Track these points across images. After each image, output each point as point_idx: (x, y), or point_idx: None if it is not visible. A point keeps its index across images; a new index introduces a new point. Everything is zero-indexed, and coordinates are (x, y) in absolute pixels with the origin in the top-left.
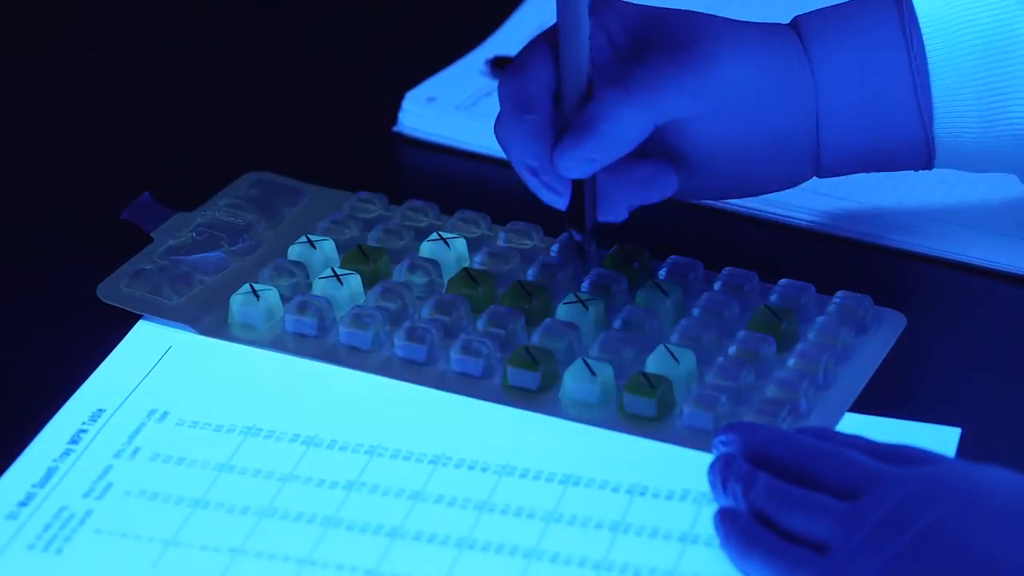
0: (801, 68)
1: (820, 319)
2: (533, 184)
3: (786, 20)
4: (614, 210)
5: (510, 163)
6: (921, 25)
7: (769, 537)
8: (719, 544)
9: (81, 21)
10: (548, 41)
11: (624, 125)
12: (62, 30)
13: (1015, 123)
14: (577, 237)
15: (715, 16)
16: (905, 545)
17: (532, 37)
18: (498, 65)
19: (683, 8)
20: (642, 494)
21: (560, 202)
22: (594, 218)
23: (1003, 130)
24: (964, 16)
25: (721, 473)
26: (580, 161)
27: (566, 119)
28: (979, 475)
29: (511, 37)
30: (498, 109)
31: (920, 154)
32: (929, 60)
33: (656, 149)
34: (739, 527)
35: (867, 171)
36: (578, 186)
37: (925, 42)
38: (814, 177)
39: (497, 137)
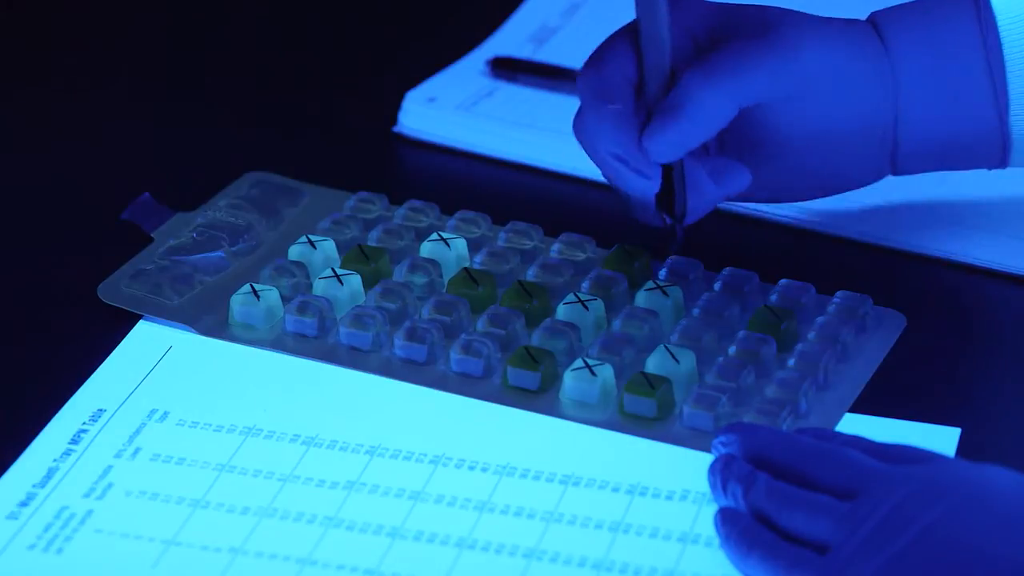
0: (880, 61)
1: (820, 319)
2: (621, 172)
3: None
4: (704, 197)
5: (590, 156)
6: (998, 19)
7: (769, 538)
8: (719, 545)
9: (81, 20)
10: (628, 34)
11: (709, 106)
12: (62, 29)
13: None
14: (669, 220)
15: (795, 11)
16: (905, 545)
17: (614, 31)
18: (498, 65)
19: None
20: (642, 494)
21: (651, 187)
22: (684, 201)
23: None
24: None
25: (721, 474)
26: (669, 145)
27: (649, 107)
28: (979, 474)
29: (511, 37)
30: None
31: (995, 149)
32: (1005, 54)
33: (739, 137)
34: (739, 528)
35: (942, 168)
36: (667, 171)
37: (1001, 36)
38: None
39: (576, 130)
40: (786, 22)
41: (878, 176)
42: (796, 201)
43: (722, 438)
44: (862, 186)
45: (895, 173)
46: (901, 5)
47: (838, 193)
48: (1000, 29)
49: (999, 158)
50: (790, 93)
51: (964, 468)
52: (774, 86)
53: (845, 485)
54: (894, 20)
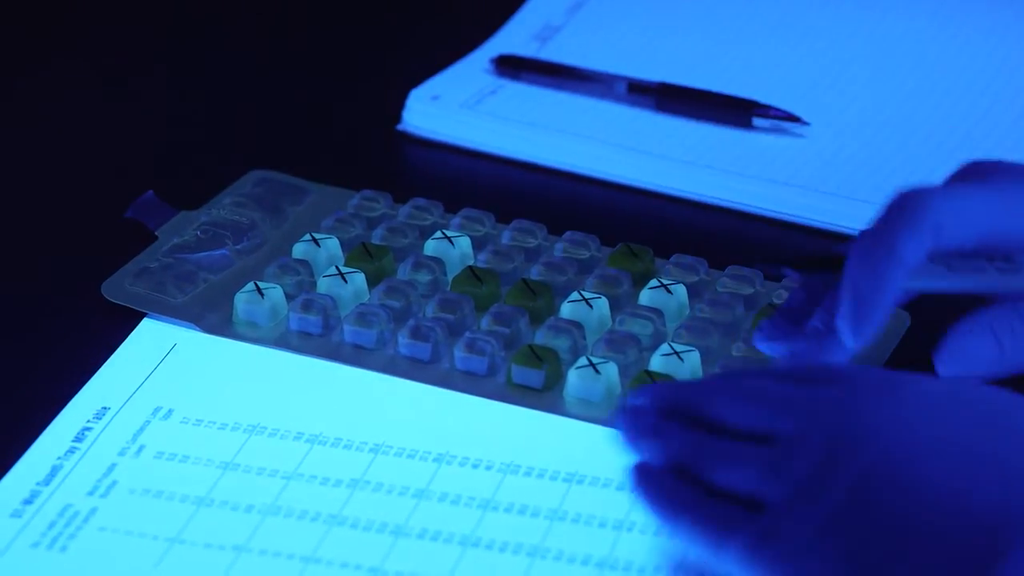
0: None
1: None
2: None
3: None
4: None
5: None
6: None
7: (696, 497)
8: (644, 508)
9: (83, 19)
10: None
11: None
12: (64, 28)
13: None
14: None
15: None
16: (844, 494)
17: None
18: (502, 64)
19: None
20: None
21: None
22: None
23: None
24: None
25: (634, 429)
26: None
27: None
28: (901, 393)
29: (515, 36)
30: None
31: None
32: None
33: None
34: (662, 488)
35: None
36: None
37: None
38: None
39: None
40: None
41: None
42: None
43: (629, 398)
44: None
45: None
46: None
47: None
48: None
49: None
50: None
51: (881, 388)
52: None
53: (759, 422)
54: None
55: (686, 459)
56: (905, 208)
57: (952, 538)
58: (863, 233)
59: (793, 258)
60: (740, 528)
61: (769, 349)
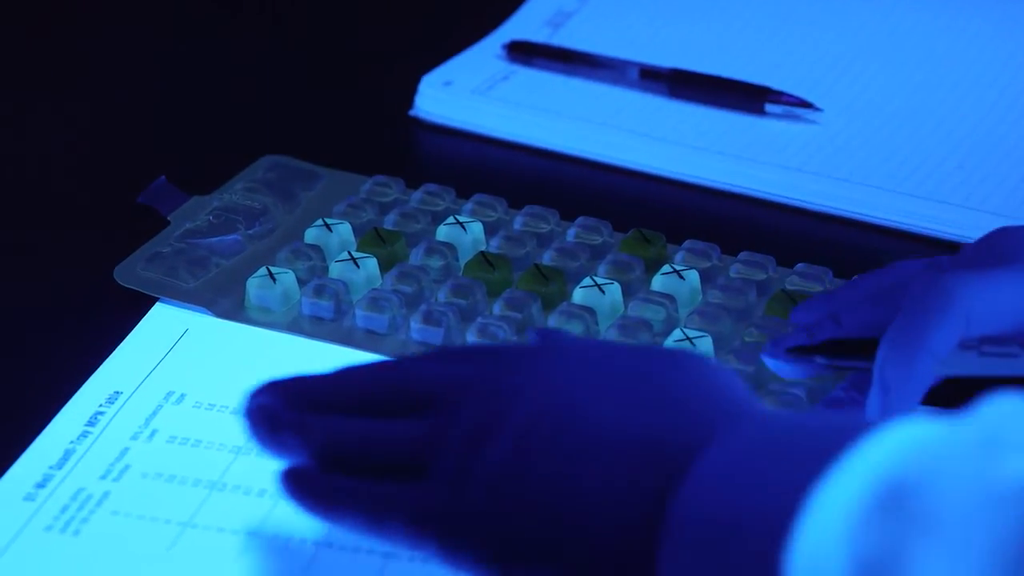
0: None
1: None
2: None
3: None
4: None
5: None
6: None
7: (348, 486)
8: (299, 510)
9: (95, 5)
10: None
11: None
12: (75, 12)
13: None
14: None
15: None
16: (501, 456)
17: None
18: (515, 49)
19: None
20: None
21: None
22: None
23: None
24: None
25: (265, 428)
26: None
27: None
28: (547, 355)
29: (528, 21)
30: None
31: None
32: None
33: None
34: (311, 485)
35: None
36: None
37: None
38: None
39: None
40: None
41: None
42: None
43: (251, 397)
44: None
45: None
46: None
47: None
48: None
49: None
50: None
51: (522, 353)
52: None
53: (404, 400)
54: None
55: (332, 449)
56: (935, 298)
57: (622, 463)
58: (895, 323)
59: (825, 345)
60: (399, 507)
61: (775, 367)
